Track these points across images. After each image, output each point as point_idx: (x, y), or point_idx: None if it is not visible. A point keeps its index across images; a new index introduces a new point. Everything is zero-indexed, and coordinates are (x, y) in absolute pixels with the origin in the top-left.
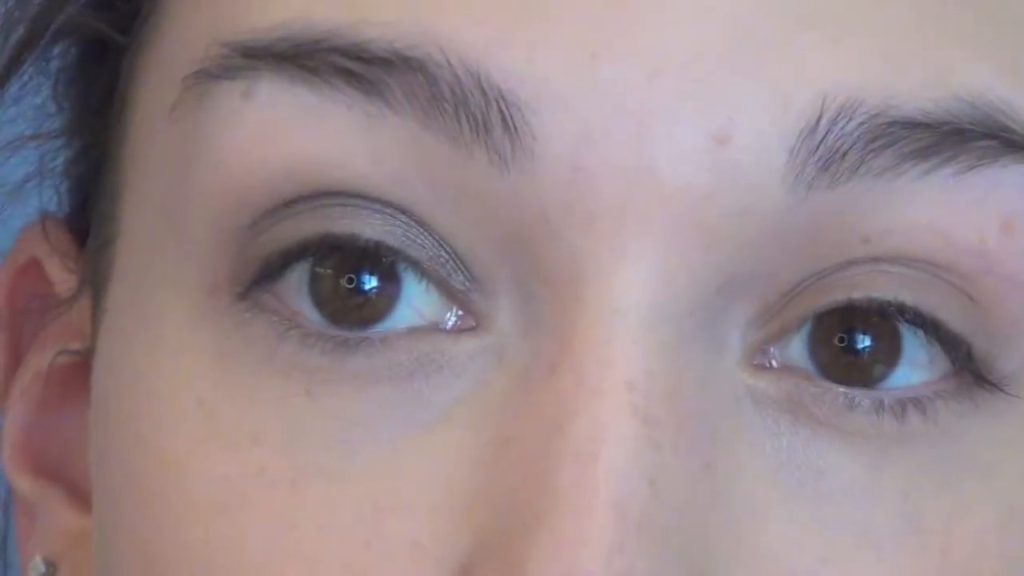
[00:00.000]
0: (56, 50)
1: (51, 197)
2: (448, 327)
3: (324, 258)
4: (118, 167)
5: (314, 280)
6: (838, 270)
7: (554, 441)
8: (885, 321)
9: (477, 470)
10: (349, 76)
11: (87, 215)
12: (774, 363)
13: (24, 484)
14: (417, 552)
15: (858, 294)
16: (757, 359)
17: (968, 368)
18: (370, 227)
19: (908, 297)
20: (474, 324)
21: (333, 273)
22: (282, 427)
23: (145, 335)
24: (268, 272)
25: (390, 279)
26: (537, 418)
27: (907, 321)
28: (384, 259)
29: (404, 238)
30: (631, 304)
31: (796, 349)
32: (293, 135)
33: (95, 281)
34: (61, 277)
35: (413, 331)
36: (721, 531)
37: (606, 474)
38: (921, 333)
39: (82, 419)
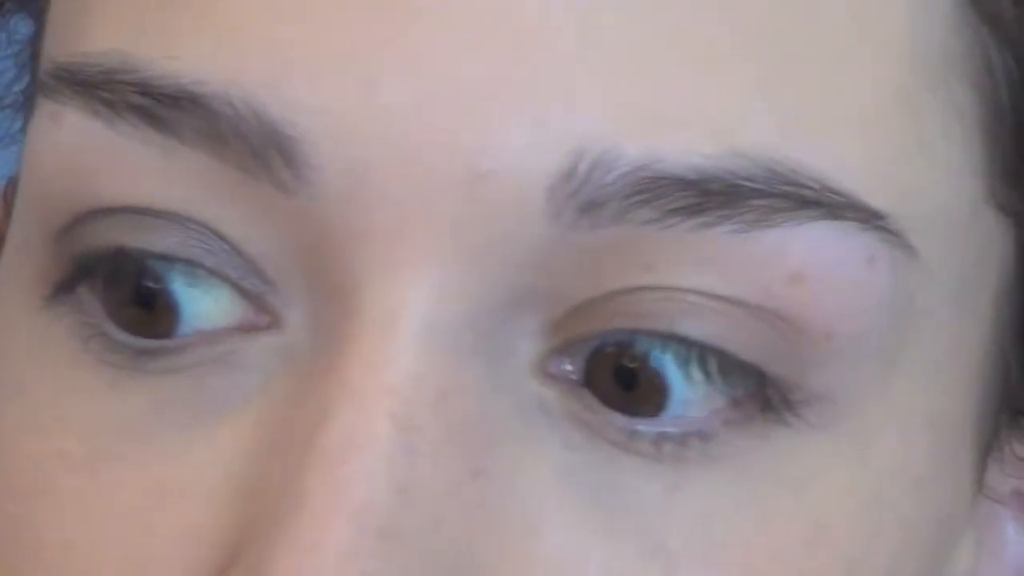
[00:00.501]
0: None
1: None
2: (243, 326)
3: (120, 268)
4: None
5: (111, 288)
6: (626, 294)
7: (311, 441)
8: (666, 351)
9: (253, 462)
10: (141, 112)
11: None
12: (567, 375)
13: None
14: (194, 536)
15: (643, 325)
16: (549, 369)
17: (759, 395)
18: (162, 240)
19: (694, 331)
20: (268, 323)
21: (131, 281)
22: (86, 415)
23: None
24: (68, 280)
25: (187, 283)
26: (304, 419)
27: (695, 355)
28: (179, 267)
29: (197, 248)
30: (403, 315)
31: (578, 373)
32: (94, 166)
33: None
34: None
35: (209, 333)
36: (488, 540)
37: (351, 478)
38: (711, 363)
39: None
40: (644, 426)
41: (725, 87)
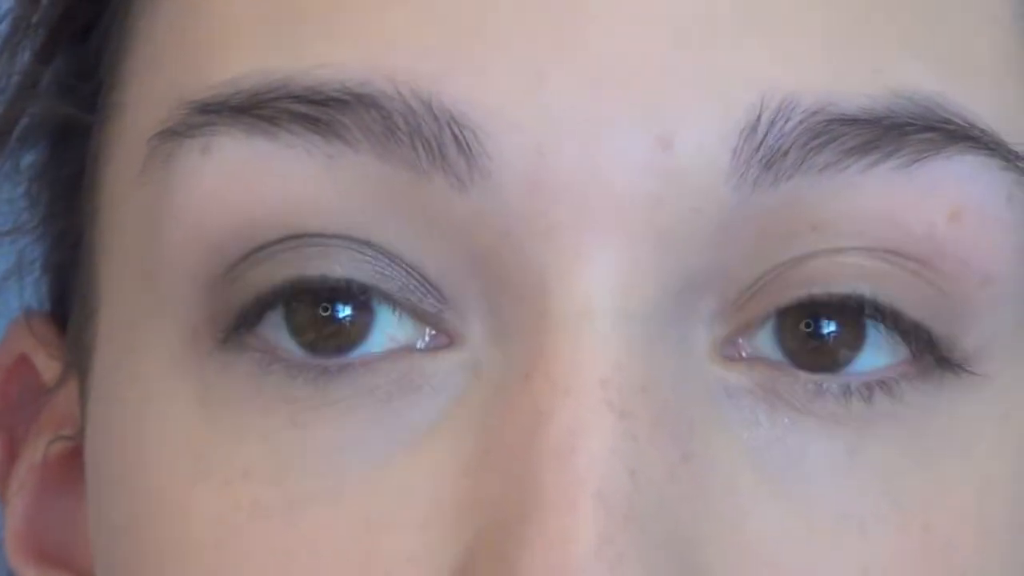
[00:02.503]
0: (26, 146)
1: (32, 293)
2: (423, 347)
3: (298, 296)
4: (92, 243)
5: (290, 316)
6: (795, 264)
7: (533, 442)
8: (847, 309)
9: (462, 481)
10: (306, 120)
11: (67, 305)
12: (744, 354)
13: (29, 574)
14: (413, 566)
15: (817, 289)
16: (727, 352)
17: (930, 351)
18: (340, 265)
19: (866, 289)
20: (448, 342)
21: (309, 306)
22: (271, 459)
23: (134, 393)
24: (245, 318)
25: (363, 309)
26: (515, 424)
27: (867, 314)
28: (356, 293)
29: (373, 272)
30: (595, 307)
31: (764, 339)
32: (254, 185)
33: (80, 360)
34: (47, 366)
35: (390, 353)
36: (705, 519)
37: (587, 467)
38: (881, 323)
39: (80, 503)
40: (831, 381)
41: (880, 33)
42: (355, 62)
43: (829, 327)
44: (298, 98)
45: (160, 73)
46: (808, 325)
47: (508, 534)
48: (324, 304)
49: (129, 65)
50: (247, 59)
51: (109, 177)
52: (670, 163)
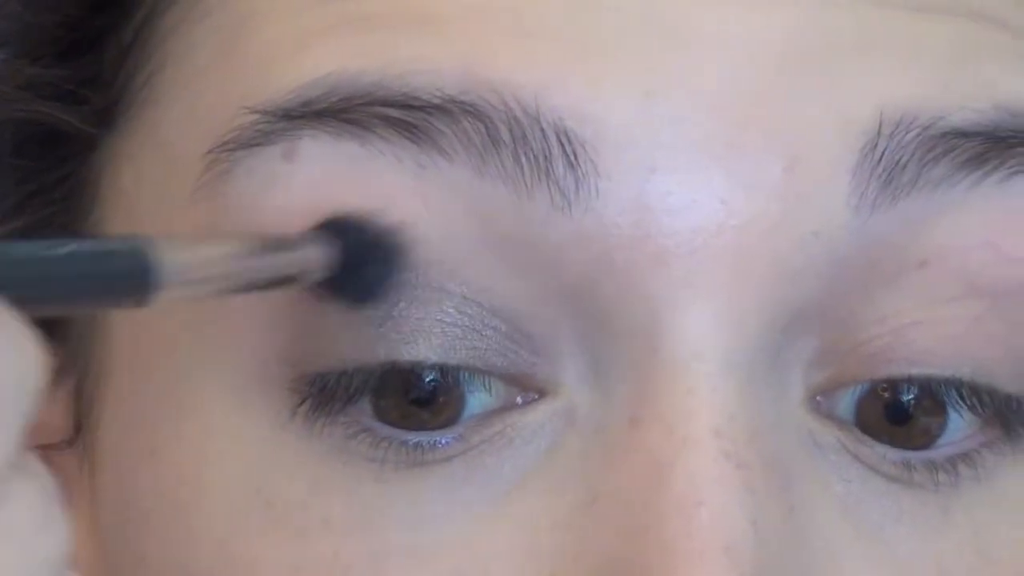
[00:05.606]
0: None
1: None
2: (515, 404)
3: (385, 387)
4: None
5: (376, 402)
6: (897, 333)
7: (652, 494)
8: (936, 393)
9: (562, 533)
10: (399, 126)
11: None
12: (827, 412)
13: None
14: None
15: (917, 371)
16: (814, 404)
17: (1015, 416)
18: (434, 335)
19: (966, 372)
20: (540, 395)
21: (395, 395)
22: (353, 512)
23: (187, 425)
24: (327, 405)
25: (452, 390)
26: (626, 473)
27: (962, 396)
28: (447, 378)
29: (466, 340)
30: (708, 348)
31: (844, 407)
32: (341, 192)
33: (79, 364)
34: None
35: (480, 416)
36: (807, 571)
37: (714, 521)
38: (983, 398)
39: None
40: (916, 458)
41: (984, 53)
42: (454, 70)
43: (910, 408)
44: (391, 103)
45: (208, 88)
46: (887, 408)
47: None
48: (412, 395)
49: (163, 82)
50: (324, 63)
51: (128, 196)
52: (793, 185)
